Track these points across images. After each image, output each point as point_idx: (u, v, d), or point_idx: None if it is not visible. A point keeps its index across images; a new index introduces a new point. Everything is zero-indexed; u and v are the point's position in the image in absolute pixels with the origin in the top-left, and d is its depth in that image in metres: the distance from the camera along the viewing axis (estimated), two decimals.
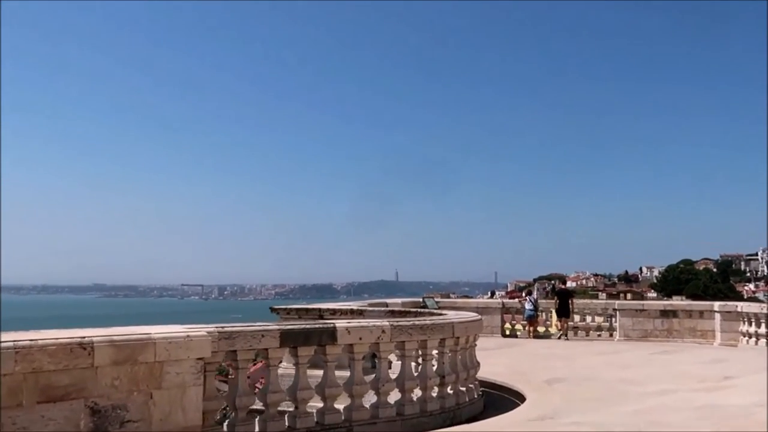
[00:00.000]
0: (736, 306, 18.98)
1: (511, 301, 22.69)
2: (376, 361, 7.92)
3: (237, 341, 6.65)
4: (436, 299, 21.65)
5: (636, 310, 20.15)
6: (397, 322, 7.95)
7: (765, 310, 17.88)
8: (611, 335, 20.47)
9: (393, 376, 8.01)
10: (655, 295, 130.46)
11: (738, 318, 18.88)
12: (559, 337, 20.33)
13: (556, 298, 20.89)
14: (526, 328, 21.08)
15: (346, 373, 7.56)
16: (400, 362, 8.22)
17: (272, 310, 13.08)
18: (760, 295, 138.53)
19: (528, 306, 20.89)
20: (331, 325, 7.33)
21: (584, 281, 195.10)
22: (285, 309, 13.16)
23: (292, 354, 7.20)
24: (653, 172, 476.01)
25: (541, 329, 21.22)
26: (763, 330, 17.86)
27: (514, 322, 21.45)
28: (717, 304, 19.55)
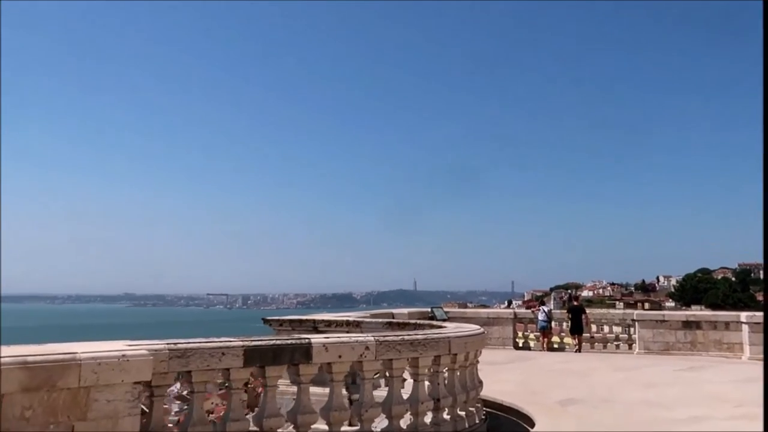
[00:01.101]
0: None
1: (524, 311, 21.49)
2: (381, 381, 6.90)
3: (192, 360, 5.65)
4: (445, 309, 20.55)
5: (656, 321, 18.87)
6: (384, 337, 6.89)
7: None
8: (630, 347, 19.22)
9: (405, 396, 7.00)
10: (673, 304, 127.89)
11: None
12: (575, 351, 19.14)
13: (568, 314, 19.68)
14: (540, 339, 19.90)
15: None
16: (412, 380, 7.20)
17: (264, 321, 12.10)
18: None
19: (541, 317, 19.71)
20: (306, 341, 6.30)
21: (601, 290, 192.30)
22: (278, 320, 12.17)
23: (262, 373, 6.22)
24: (671, 181, 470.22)
25: (555, 341, 20.03)
26: None
27: (527, 333, 20.26)
28: (744, 315, 18.23)
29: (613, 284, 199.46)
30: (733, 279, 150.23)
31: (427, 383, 7.47)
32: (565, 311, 19.90)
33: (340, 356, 6.48)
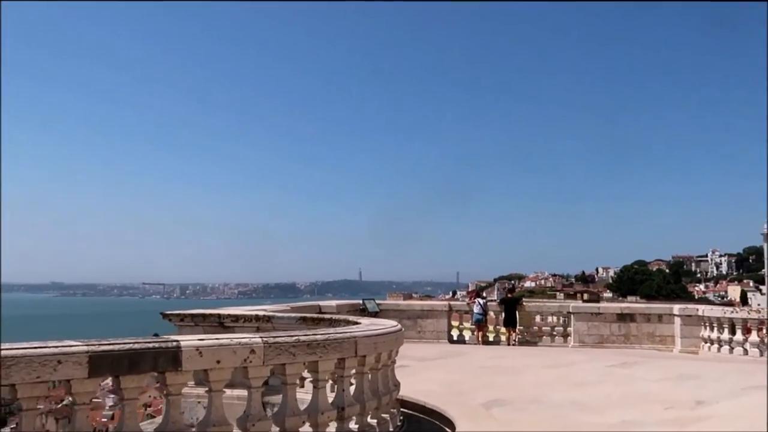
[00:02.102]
0: (697, 309, 17.54)
1: (460, 303, 20.85)
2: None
3: (16, 371, 4.49)
4: (377, 301, 19.67)
5: (591, 314, 18.54)
6: (274, 338, 5.85)
7: (727, 314, 16.48)
8: (566, 340, 18.86)
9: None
10: (610, 295, 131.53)
11: (699, 322, 17.46)
12: (508, 343, 18.62)
13: (502, 305, 19.13)
14: (475, 333, 19.29)
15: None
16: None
17: (164, 316, 10.85)
18: (710, 296, 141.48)
19: (476, 309, 19.08)
20: (174, 344, 5.20)
21: (543, 281, 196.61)
22: (178, 315, 10.95)
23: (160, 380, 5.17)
24: (610, 174, 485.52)
25: (491, 334, 19.45)
26: (725, 336, 16.45)
27: (462, 326, 19.64)
28: (677, 308, 18.09)
29: (554, 275, 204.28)
30: (667, 271, 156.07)
31: (329, 390, 6.51)
32: (500, 304, 19.32)
33: (218, 362, 5.42)
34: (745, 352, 15.87)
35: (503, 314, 19.00)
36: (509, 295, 20.24)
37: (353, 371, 6.77)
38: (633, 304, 20.57)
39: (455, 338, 19.54)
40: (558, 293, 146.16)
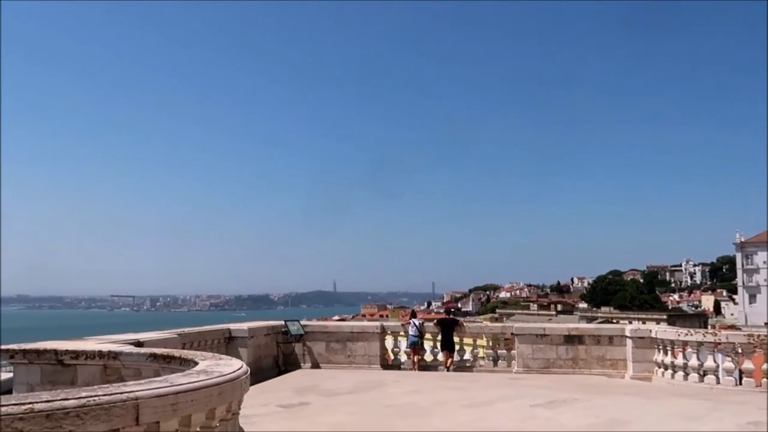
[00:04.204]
0: (650, 331, 15.91)
1: (393, 323, 18.99)
2: None
3: None
4: (302, 322, 17.77)
5: (537, 336, 16.82)
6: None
7: (681, 337, 14.87)
8: (509, 364, 17.13)
9: None
10: (585, 305, 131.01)
11: (652, 345, 15.83)
12: (448, 369, 16.84)
13: (438, 327, 17.35)
14: (410, 357, 17.46)
15: None
16: None
17: None
18: (684, 306, 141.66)
19: (411, 331, 17.24)
20: None
21: (518, 292, 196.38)
22: (8, 351, 8.93)
23: None
24: (588, 182, 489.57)
25: (428, 358, 17.65)
26: (679, 361, 14.84)
27: (397, 349, 17.79)
28: (628, 329, 16.46)
29: (530, 285, 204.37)
30: (641, 281, 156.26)
31: None
32: (437, 325, 17.53)
33: None
34: (701, 379, 14.29)
35: (440, 337, 17.23)
36: (447, 316, 18.45)
37: None
38: (582, 325, 18.94)
39: (390, 363, 17.72)
40: (532, 304, 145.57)
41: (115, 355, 9.00)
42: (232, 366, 6.24)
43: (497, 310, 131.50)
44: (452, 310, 23.69)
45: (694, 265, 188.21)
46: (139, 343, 9.84)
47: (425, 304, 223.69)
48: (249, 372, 6.43)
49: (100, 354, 9.05)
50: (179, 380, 5.37)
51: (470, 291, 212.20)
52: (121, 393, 4.89)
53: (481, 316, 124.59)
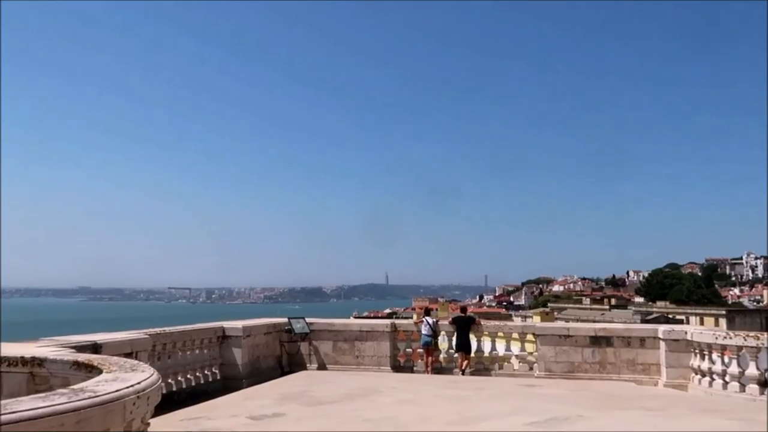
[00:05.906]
0: (685, 332, 14.29)
1: (406, 322, 17.87)
2: None
3: None
4: (308, 320, 16.87)
5: (560, 336, 15.43)
6: None
7: (720, 340, 13.23)
8: (531, 368, 15.82)
9: None
10: (641, 300, 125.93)
11: (688, 348, 14.24)
12: (463, 372, 15.66)
13: (454, 326, 16.16)
14: (424, 358, 16.35)
15: None
16: None
17: None
18: (745, 300, 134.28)
19: (424, 331, 16.12)
20: None
21: (572, 285, 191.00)
22: None
23: None
24: (643, 175, 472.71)
25: (443, 359, 16.50)
26: (718, 367, 13.21)
27: (409, 350, 16.71)
28: (661, 330, 14.87)
29: (584, 279, 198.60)
30: (699, 274, 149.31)
31: None
32: (452, 324, 16.34)
33: None
34: (742, 388, 12.65)
35: (455, 336, 16.06)
36: (462, 314, 17.20)
37: None
38: (610, 325, 17.33)
39: (402, 364, 16.67)
40: (585, 298, 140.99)
41: (40, 362, 8.22)
42: (128, 381, 5.33)
43: (549, 304, 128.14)
44: (466, 307, 22.41)
45: (756, 258, 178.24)
46: (96, 346, 9.13)
47: (477, 297, 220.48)
48: (156, 386, 5.50)
49: (23, 361, 8.25)
50: (35, 404, 4.49)
51: (523, 284, 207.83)
52: None
53: (533, 310, 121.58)
